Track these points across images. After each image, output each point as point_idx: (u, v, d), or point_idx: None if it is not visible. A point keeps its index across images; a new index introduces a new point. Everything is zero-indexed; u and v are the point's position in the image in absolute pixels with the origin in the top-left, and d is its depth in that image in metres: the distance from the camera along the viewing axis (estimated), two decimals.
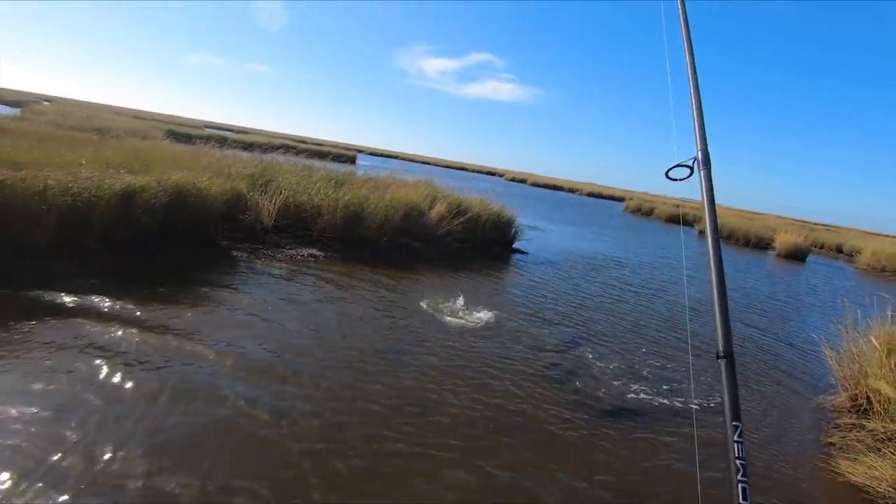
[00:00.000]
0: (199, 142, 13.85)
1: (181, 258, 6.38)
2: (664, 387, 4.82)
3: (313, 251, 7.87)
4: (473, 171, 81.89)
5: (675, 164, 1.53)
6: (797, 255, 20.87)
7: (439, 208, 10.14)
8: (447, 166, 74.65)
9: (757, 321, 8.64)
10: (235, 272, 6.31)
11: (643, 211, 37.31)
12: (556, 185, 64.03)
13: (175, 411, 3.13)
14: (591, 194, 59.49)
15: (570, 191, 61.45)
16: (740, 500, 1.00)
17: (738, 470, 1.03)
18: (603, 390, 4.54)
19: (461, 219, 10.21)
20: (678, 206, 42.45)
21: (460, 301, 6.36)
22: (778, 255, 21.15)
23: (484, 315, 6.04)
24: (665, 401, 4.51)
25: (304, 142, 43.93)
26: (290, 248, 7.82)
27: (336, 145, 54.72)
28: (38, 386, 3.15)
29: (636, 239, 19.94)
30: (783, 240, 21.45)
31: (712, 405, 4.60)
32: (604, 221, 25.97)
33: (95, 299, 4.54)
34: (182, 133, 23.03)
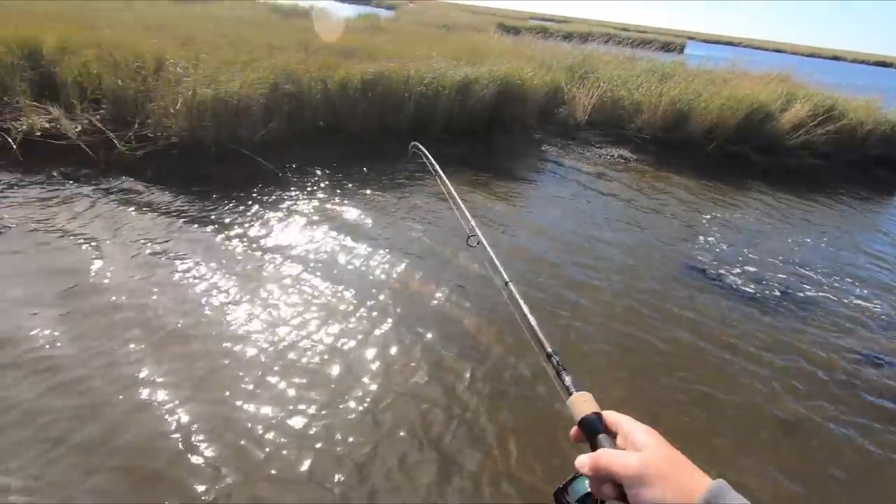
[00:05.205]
0: (524, 32, 14.15)
1: (502, 149, 6.82)
2: None
3: (624, 152, 7.30)
4: (854, 60, 60.16)
5: None
6: None
7: (797, 111, 7.82)
8: (811, 55, 56.72)
9: None
10: (544, 168, 6.43)
11: None
12: None
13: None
14: None
15: None
16: None
17: None
18: None
19: (828, 126, 7.68)
20: None
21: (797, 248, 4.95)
22: None
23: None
24: None
25: (626, 29, 39.96)
26: (600, 147, 7.44)
27: (661, 31, 48.04)
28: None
29: None
30: None
31: None
32: None
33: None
34: (510, 25, 24.03)
